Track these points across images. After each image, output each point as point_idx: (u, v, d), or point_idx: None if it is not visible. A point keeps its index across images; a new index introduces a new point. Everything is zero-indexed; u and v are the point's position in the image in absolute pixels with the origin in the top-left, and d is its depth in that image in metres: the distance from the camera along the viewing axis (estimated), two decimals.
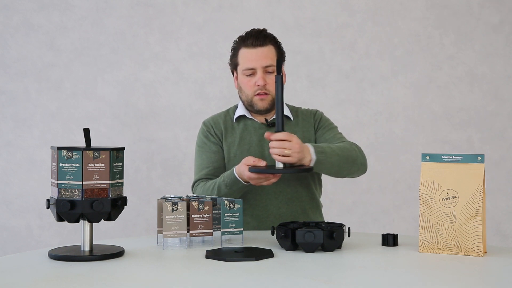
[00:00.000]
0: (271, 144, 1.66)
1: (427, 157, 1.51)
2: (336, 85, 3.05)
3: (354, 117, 3.05)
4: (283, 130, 1.65)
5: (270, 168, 1.67)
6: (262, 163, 1.71)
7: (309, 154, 1.71)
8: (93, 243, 1.49)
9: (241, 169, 1.75)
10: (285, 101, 2.14)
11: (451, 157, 1.48)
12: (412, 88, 3.06)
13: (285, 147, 1.64)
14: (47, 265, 1.32)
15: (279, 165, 1.65)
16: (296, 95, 2.99)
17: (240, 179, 1.77)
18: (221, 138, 1.99)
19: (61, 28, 2.96)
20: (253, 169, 1.67)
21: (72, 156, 1.37)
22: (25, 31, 2.94)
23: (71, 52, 2.96)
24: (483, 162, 1.46)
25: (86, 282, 1.16)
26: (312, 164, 1.71)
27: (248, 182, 1.77)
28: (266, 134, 1.69)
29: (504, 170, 3.06)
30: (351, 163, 1.82)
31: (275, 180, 1.72)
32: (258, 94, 1.92)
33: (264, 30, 1.94)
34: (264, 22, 2.97)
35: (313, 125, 2.01)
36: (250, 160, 1.72)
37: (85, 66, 2.97)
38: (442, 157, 1.49)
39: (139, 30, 2.99)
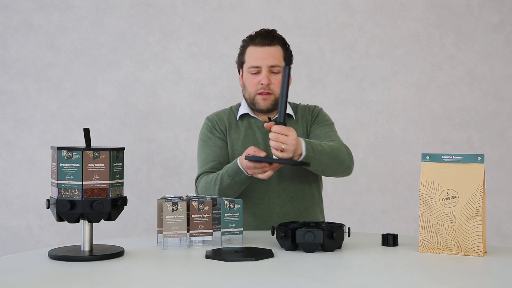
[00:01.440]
0: (269, 135, 1.66)
1: (427, 157, 1.51)
2: (336, 85, 3.05)
3: (354, 117, 3.05)
4: (284, 122, 1.65)
5: (266, 158, 1.68)
6: (262, 154, 1.70)
7: (300, 149, 1.70)
8: (93, 243, 1.49)
9: (243, 159, 1.75)
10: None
11: (451, 157, 1.48)
12: (412, 88, 3.06)
13: (280, 141, 1.63)
14: (47, 265, 1.32)
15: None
16: (296, 95, 2.99)
17: (243, 169, 1.77)
18: (225, 134, 1.99)
19: (61, 28, 2.96)
20: (249, 157, 1.67)
21: (72, 156, 1.37)
22: (25, 31, 2.94)
23: (71, 52, 2.96)
24: (483, 162, 1.46)
25: (86, 282, 1.16)
26: (300, 159, 1.71)
27: (251, 174, 1.77)
28: (266, 124, 1.68)
29: (504, 170, 3.06)
30: (337, 164, 1.81)
31: (270, 172, 1.71)
32: (260, 94, 1.91)
33: (273, 30, 1.94)
34: (264, 22, 2.97)
35: (310, 120, 2.02)
36: (251, 150, 1.72)
37: (85, 66, 2.97)
38: (442, 157, 1.49)
39: (139, 30, 2.99)
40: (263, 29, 1.96)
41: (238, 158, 1.79)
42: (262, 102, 1.93)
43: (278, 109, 1.65)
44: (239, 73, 2.01)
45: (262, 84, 1.90)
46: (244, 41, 1.98)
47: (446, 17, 3.07)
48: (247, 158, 1.67)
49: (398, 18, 3.06)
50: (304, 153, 1.70)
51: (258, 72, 1.91)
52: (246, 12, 3.02)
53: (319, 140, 1.87)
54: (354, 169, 1.95)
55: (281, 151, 1.64)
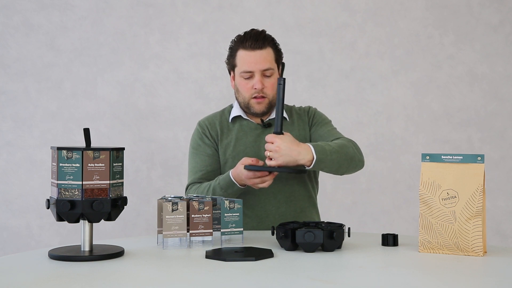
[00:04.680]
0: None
1: (427, 157, 1.51)
2: (336, 85, 3.05)
3: (354, 117, 3.05)
4: (280, 132, 1.69)
5: (265, 167, 1.71)
6: (260, 164, 1.73)
7: (310, 154, 1.71)
8: (93, 243, 1.49)
9: (238, 171, 1.76)
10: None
11: (451, 157, 1.48)
12: (412, 88, 3.06)
13: (268, 149, 1.70)
14: (47, 265, 1.32)
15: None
16: (296, 95, 2.99)
17: (235, 182, 1.78)
18: (216, 140, 1.98)
19: (61, 28, 2.96)
20: (248, 166, 1.70)
21: (72, 156, 1.37)
22: (25, 31, 2.94)
23: (71, 52, 2.96)
24: (483, 162, 1.46)
25: (86, 282, 1.16)
26: (313, 164, 1.72)
27: (244, 185, 1.79)
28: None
29: (504, 170, 3.06)
30: (349, 160, 1.82)
31: (270, 181, 1.74)
32: (255, 98, 1.91)
33: (263, 32, 1.92)
34: (264, 22, 2.97)
35: (307, 122, 2.02)
36: (248, 160, 1.74)
37: (85, 66, 2.97)
38: (442, 157, 1.49)
39: (139, 30, 2.99)
40: (252, 30, 1.92)
41: (231, 171, 1.81)
42: (257, 106, 1.93)
43: (275, 118, 1.71)
44: (230, 74, 2.00)
45: (256, 88, 1.89)
46: (233, 42, 1.94)
47: (446, 17, 3.07)
48: (246, 167, 1.69)
49: (398, 18, 3.06)
50: (315, 156, 1.71)
51: (251, 77, 1.90)
52: (246, 12, 3.02)
53: (324, 141, 1.88)
54: None
55: (271, 159, 1.69)
